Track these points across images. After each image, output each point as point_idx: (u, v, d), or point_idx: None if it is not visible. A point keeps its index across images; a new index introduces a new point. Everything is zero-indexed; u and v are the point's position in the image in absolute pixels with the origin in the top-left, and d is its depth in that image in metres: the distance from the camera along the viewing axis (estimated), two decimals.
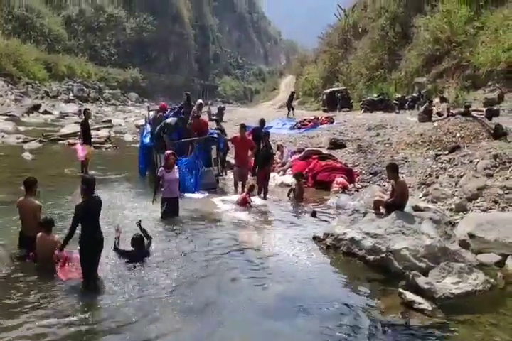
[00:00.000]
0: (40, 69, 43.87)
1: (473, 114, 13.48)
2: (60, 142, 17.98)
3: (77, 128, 21.36)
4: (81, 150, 11.60)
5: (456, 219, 8.70)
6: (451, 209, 9.35)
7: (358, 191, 11.04)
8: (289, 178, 11.54)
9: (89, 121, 12.88)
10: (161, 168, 8.03)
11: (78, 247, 5.49)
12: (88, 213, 5.33)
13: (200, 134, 10.71)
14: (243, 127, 10.59)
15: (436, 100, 19.71)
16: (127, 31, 62.03)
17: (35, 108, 32.38)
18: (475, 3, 21.74)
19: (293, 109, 25.58)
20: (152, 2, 64.61)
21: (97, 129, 21.51)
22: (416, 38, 26.46)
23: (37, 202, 6.32)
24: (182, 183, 9.09)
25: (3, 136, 17.80)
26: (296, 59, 62.24)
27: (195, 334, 4.78)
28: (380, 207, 7.04)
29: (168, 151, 8.29)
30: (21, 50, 41.61)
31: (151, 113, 12.04)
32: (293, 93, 27.23)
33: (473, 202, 9.55)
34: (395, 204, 6.82)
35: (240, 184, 10.45)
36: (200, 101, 12.13)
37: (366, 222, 6.86)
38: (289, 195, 10.34)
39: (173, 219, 8.16)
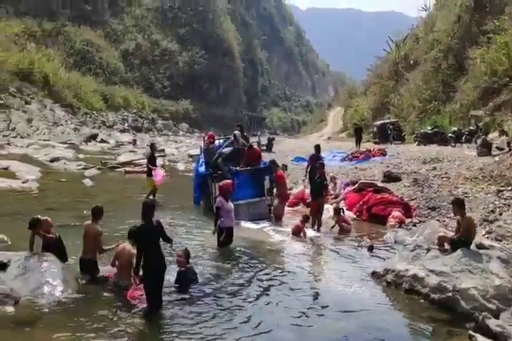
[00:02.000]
0: (98, 100, 46.04)
1: None
2: (118, 170, 18.64)
3: (133, 156, 22.44)
4: (159, 175, 12.05)
5: None
6: None
7: (415, 226, 10.69)
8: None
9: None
10: (220, 198, 8.09)
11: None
12: (144, 237, 5.43)
13: (252, 164, 10.83)
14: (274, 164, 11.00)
15: (495, 134, 19.09)
16: (180, 64, 64.52)
17: (93, 137, 33.92)
18: None
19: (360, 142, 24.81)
20: (204, 37, 67.32)
21: None
22: (472, 69, 25.94)
23: (99, 228, 6.54)
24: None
25: (65, 163, 18.69)
26: (344, 91, 62.55)
27: None
28: (445, 244, 6.76)
29: (228, 181, 8.40)
30: (81, 82, 44.04)
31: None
32: (358, 126, 25.46)
33: None
34: (461, 240, 6.54)
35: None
36: (236, 132, 11.96)
37: (430, 259, 6.59)
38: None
39: (228, 248, 8.19)
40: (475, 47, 26.01)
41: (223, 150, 11.19)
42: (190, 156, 24.81)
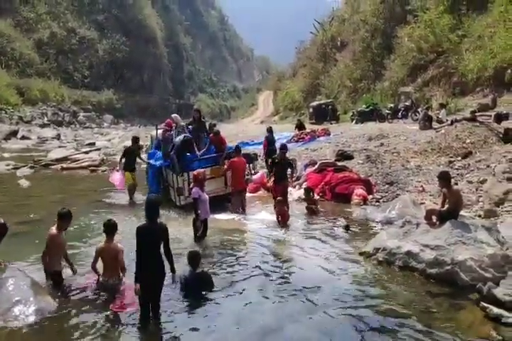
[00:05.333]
0: (13, 95, 42.64)
1: (480, 119, 13.50)
2: (52, 167, 17.18)
3: (66, 152, 20.83)
4: (117, 180, 11.00)
5: None
6: (479, 216, 9.15)
7: (378, 202, 10.79)
8: None
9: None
10: (196, 189, 7.51)
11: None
12: (145, 239, 4.80)
13: (218, 150, 10.35)
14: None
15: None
16: (100, 53, 60.97)
17: (13, 134, 31.49)
18: (456, 12, 22.21)
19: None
20: (125, 23, 63.97)
21: (86, 152, 20.81)
22: (399, 48, 26.80)
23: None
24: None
25: None
26: (273, 74, 62.76)
27: None
28: (433, 217, 6.72)
29: (200, 170, 7.84)
30: None
31: (159, 131, 11.50)
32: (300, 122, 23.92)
33: (500, 207, 9.39)
34: (449, 212, 6.53)
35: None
36: (181, 123, 11.35)
37: (421, 234, 6.53)
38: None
39: (206, 241, 7.68)
40: (402, 26, 26.84)
41: (175, 141, 10.50)
42: None
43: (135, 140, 11.99)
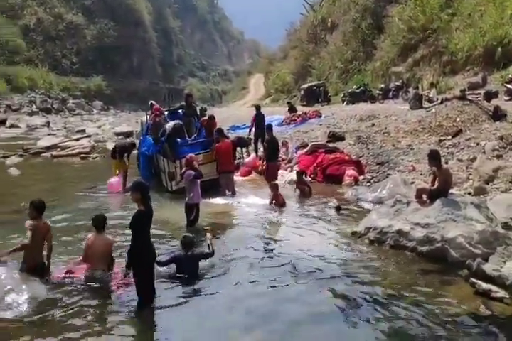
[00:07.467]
0: (0, 83, 42.12)
1: (469, 97, 13.47)
2: (42, 155, 17.05)
3: (56, 140, 20.58)
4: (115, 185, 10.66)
5: None
6: (469, 193, 9.21)
7: (369, 182, 10.83)
8: None
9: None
10: (190, 172, 7.50)
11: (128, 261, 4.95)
12: (145, 224, 4.81)
13: (209, 134, 10.32)
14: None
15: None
16: (88, 38, 60.12)
17: (1, 122, 31.19)
18: None
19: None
20: (112, 7, 62.90)
21: (77, 140, 20.64)
22: (389, 27, 26.55)
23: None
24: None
25: None
26: (263, 57, 62.17)
27: None
28: (423, 195, 6.76)
29: (192, 154, 7.83)
30: None
31: (149, 117, 11.39)
32: (291, 105, 22.36)
33: (490, 184, 9.45)
34: (440, 191, 6.57)
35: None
36: (151, 102, 11.75)
37: (412, 212, 6.57)
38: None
39: (199, 225, 7.68)
40: (392, 5, 26.57)
41: (165, 127, 10.39)
42: (118, 135, 23.38)
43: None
